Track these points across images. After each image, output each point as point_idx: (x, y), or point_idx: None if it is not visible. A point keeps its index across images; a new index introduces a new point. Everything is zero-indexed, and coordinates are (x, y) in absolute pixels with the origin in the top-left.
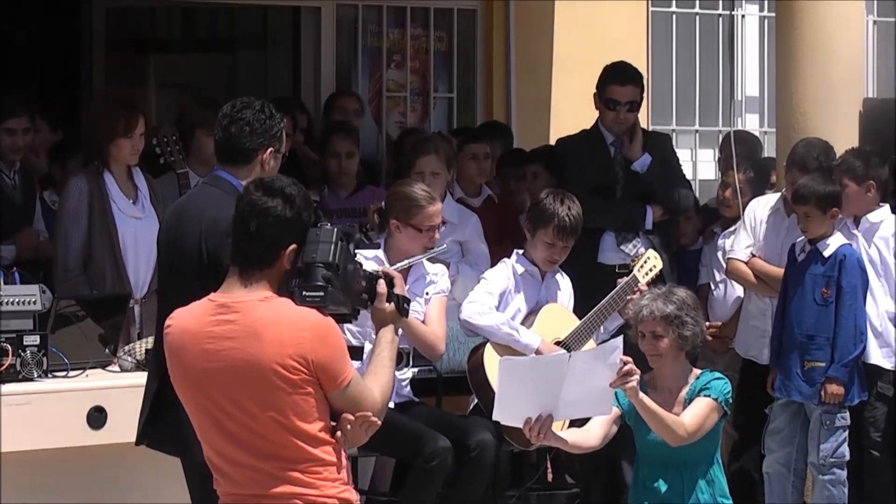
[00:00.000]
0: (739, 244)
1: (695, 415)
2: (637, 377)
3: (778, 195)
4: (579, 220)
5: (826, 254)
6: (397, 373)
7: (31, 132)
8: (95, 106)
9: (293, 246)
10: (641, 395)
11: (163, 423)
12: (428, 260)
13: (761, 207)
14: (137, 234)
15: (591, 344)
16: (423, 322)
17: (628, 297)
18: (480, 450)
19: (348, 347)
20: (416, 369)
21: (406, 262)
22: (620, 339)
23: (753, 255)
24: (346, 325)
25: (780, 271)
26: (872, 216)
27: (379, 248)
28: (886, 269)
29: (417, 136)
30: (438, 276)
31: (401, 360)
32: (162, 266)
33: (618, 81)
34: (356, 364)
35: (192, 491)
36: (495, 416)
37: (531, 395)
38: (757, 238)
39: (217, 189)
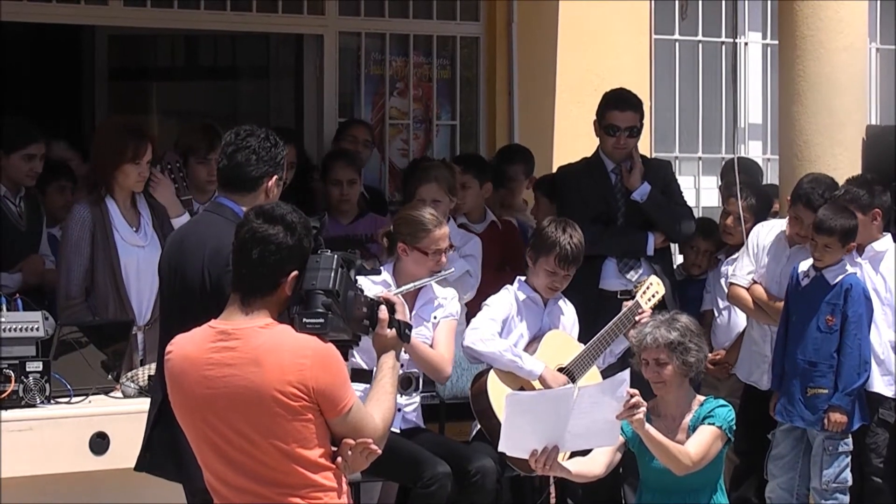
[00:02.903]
0: (741, 269)
1: (699, 443)
2: (644, 409)
3: (783, 222)
4: (581, 248)
5: (832, 281)
6: (407, 398)
7: (43, 158)
8: (103, 132)
9: (294, 273)
10: (647, 426)
11: (163, 449)
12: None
13: (765, 233)
14: (140, 262)
15: (594, 370)
16: (431, 346)
17: (631, 323)
18: (481, 476)
19: (356, 370)
20: (420, 395)
21: (412, 285)
22: (627, 372)
23: (755, 282)
24: (356, 349)
25: (778, 303)
26: (877, 245)
27: (380, 273)
28: (890, 298)
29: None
30: (448, 300)
31: (409, 384)
32: (164, 293)
33: (617, 108)
34: (364, 387)
35: None
36: (501, 448)
37: (537, 428)
38: (759, 264)
39: (220, 217)
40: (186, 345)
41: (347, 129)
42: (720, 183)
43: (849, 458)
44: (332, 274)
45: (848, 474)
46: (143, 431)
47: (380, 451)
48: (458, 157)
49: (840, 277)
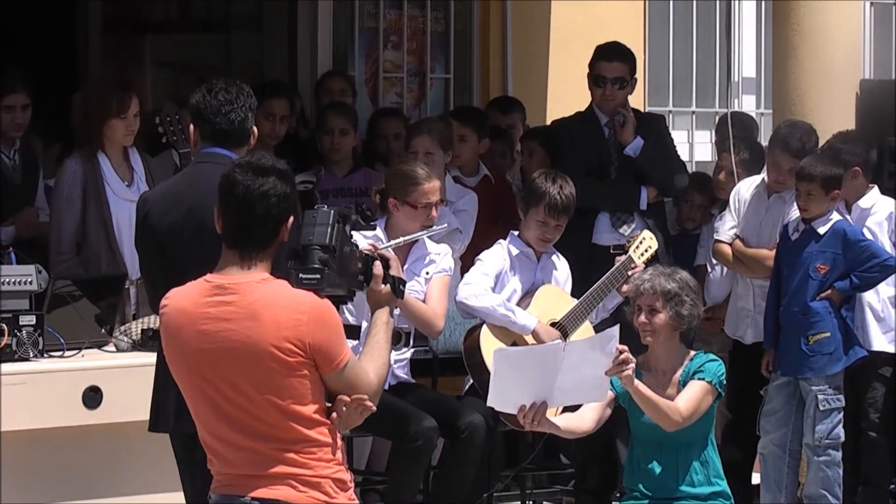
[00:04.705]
0: (724, 226)
1: (689, 398)
2: (633, 365)
3: (762, 176)
4: (571, 199)
5: (821, 231)
6: (397, 353)
7: (29, 109)
8: (87, 87)
9: (292, 218)
10: (637, 382)
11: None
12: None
13: (745, 188)
14: (132, 216)
15: (586, 325)
16: (423, 301)
17: (624, 278)
18: (470, 432)
19: (345, 326)
20: (412, 350)
21: (401, 240)
22: (617, 327)
23: (737, 237)
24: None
25: (758, 252)
26: (863, 202)
27: (375, 228)
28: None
29: (395, 117)
30: (441, 255)
31: (399, 339)
32: (165, 249)
33: (605, 58)
34: (352, 343)
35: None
36: (489, 403)
37: (526, 384)
38: (741, 218)
39: (219, 165)
40: (182, 299)
41: (323, 83)
42: (714, 137)
43: (841, 415)
44: (329, 229)
45: (840, 430)
46: (143, 386)
47: (374, 408)
48: (458, 110)
49: (828, 225)
